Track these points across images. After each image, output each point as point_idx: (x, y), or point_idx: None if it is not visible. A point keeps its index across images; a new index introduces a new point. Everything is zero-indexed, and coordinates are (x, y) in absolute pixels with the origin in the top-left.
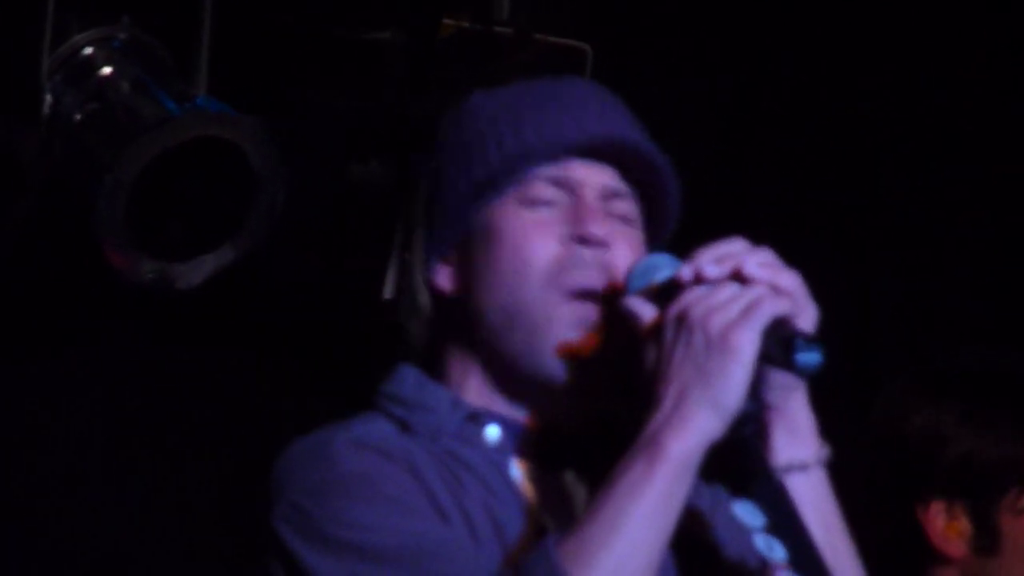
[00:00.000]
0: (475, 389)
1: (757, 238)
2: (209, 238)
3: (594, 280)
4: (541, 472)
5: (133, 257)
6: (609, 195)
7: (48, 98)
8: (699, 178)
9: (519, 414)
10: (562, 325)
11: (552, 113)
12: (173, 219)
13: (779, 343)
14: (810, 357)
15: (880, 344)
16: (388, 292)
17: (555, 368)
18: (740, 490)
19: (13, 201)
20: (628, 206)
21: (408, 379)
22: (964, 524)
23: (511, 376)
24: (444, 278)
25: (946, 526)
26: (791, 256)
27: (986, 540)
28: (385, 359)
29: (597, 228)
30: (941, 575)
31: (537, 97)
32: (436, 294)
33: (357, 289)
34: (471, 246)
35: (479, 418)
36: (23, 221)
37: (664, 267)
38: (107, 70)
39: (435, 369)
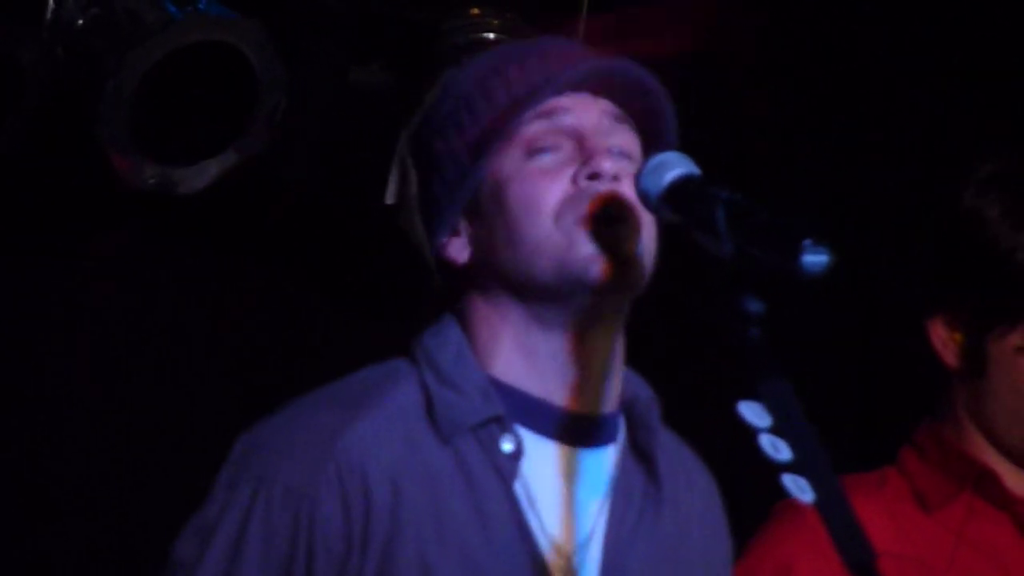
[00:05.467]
0: (506, 356)
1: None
2: (211, 143)
3: None
4: (547, 479)
5: (136, 162)
6: (607, 125)
7: (51, 3)
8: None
9: (550, 390)
10: (583, 244)
11: (535, 61)
12: (175, 124)
13: (782, 245)
14: (817, 259)
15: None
16: (389, 197)
17: (590, 264)
18: (746, 391)
19: (15, 106)
20: (628, 137)
21: (451, 344)
22: (960, 338)
23: (549, 311)
24: (456, 249)
25: (947, 336)
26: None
27: (975, 361)
28: (381, 263)
29: (609, 163)
30: (954, 388)
31: (516, 53)
32: (451, 267)
33: (358, 193)
34: (480, 209)
35: (503, 422)
36: (25, 126)
37: (675, 165)
38: None
39: (467, 330)
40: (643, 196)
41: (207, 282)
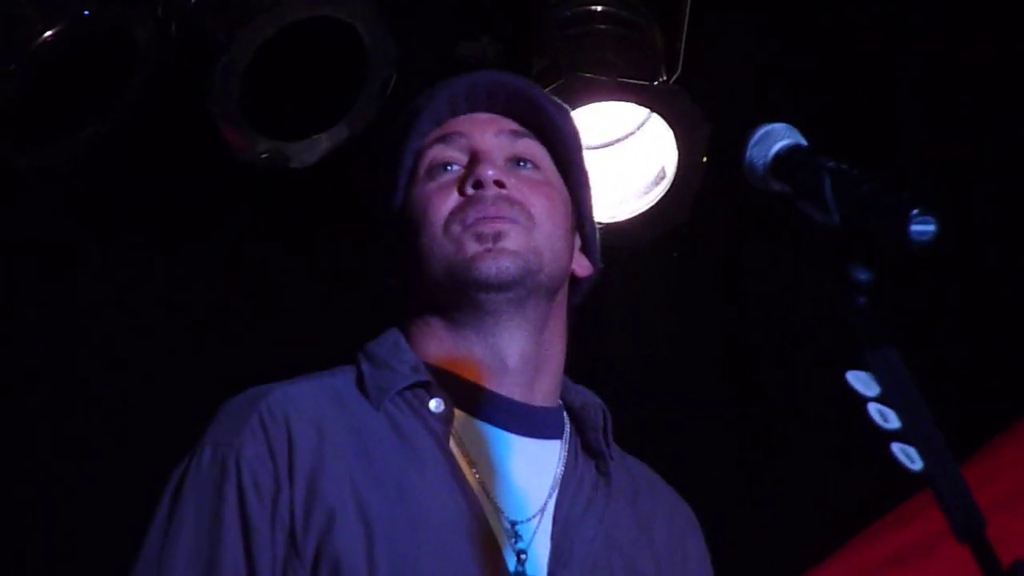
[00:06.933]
0: (435, 350)
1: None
2: (323, 117)
3: (495, 211)
4: (484, 453)
5: (248, 136)
6: (504, 140)
7: None
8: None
9: (481, 379)
10: (467, 246)
11: (441, 87)
12: (287, 98)
13: (890, 215)
14: (925, 229)
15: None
16: None
17: (473, 263)
18: (854, 359)
19: (129, 82)
20: (526, 146)
21: (388, 341)
22: None
23: (456, 313)
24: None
25: None
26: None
27: None
28: None
29: (491, 171)
30: None
31: (437, 85)
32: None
33: None
34: (400, 233)
35: (430, 388)
36: (139, 102)
37: (781, 136)
38: None
39: (406, 337)
40: (749, 168)
41: (311, 254)
